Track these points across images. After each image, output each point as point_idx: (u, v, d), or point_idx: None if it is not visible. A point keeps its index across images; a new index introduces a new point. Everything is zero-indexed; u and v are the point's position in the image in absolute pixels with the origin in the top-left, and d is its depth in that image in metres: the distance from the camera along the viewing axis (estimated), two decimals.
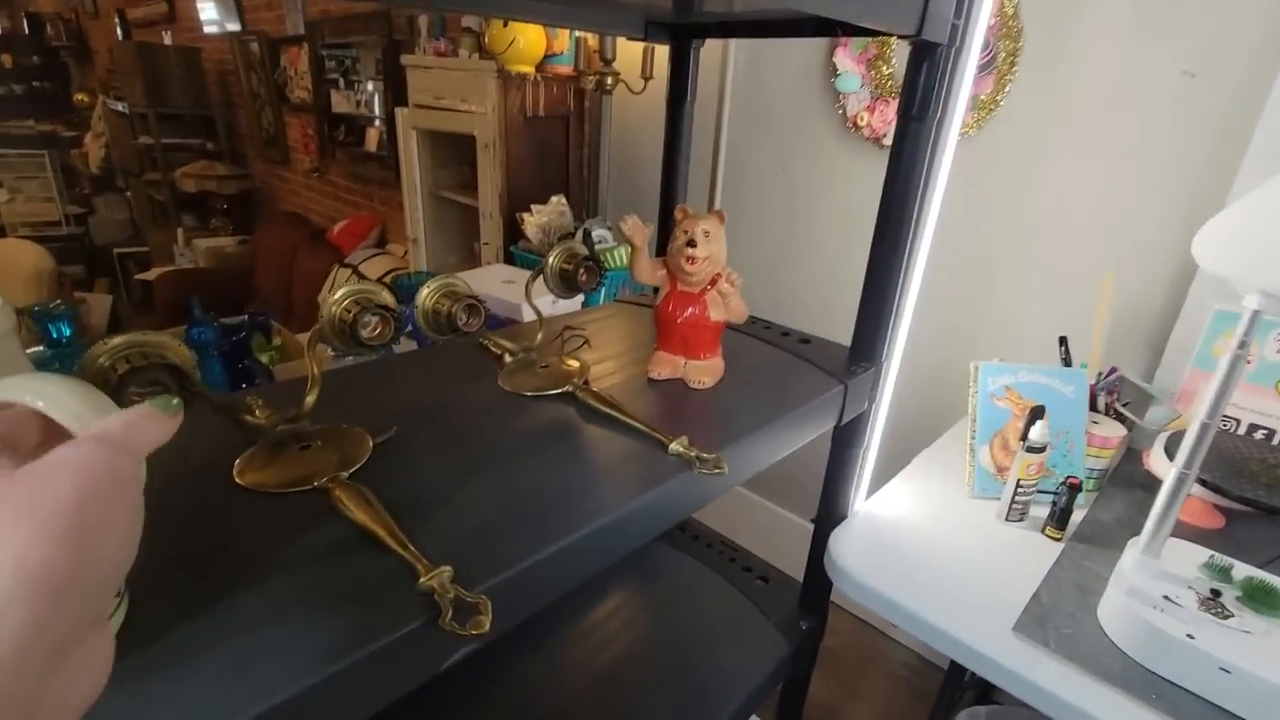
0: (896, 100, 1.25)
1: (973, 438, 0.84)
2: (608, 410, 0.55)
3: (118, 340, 0.39)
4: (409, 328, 0.92)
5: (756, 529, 1.60)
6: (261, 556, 0.37)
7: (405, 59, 1.97)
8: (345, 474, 0.44)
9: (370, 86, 2.64)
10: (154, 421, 0.23)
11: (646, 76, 1.60)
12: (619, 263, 1.49)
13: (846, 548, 0.76)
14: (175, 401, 0.25)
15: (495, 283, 1.35)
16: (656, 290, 0.66)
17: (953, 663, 0.97)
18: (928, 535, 0.79)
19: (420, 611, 0.33)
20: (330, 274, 2.70)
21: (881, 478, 0.90)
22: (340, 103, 2.82)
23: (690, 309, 0.62)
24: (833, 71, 1.31)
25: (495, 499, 0.44)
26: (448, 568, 0.36)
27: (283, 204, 3.67)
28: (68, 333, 0.60)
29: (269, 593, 0.35)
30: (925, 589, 0.70)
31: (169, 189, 3.72)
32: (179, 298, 3.13)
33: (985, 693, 1.24)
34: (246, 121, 3.66)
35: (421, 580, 0.35)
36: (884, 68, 1.26)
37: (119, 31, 4.14)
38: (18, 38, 4.96)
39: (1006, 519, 0.79)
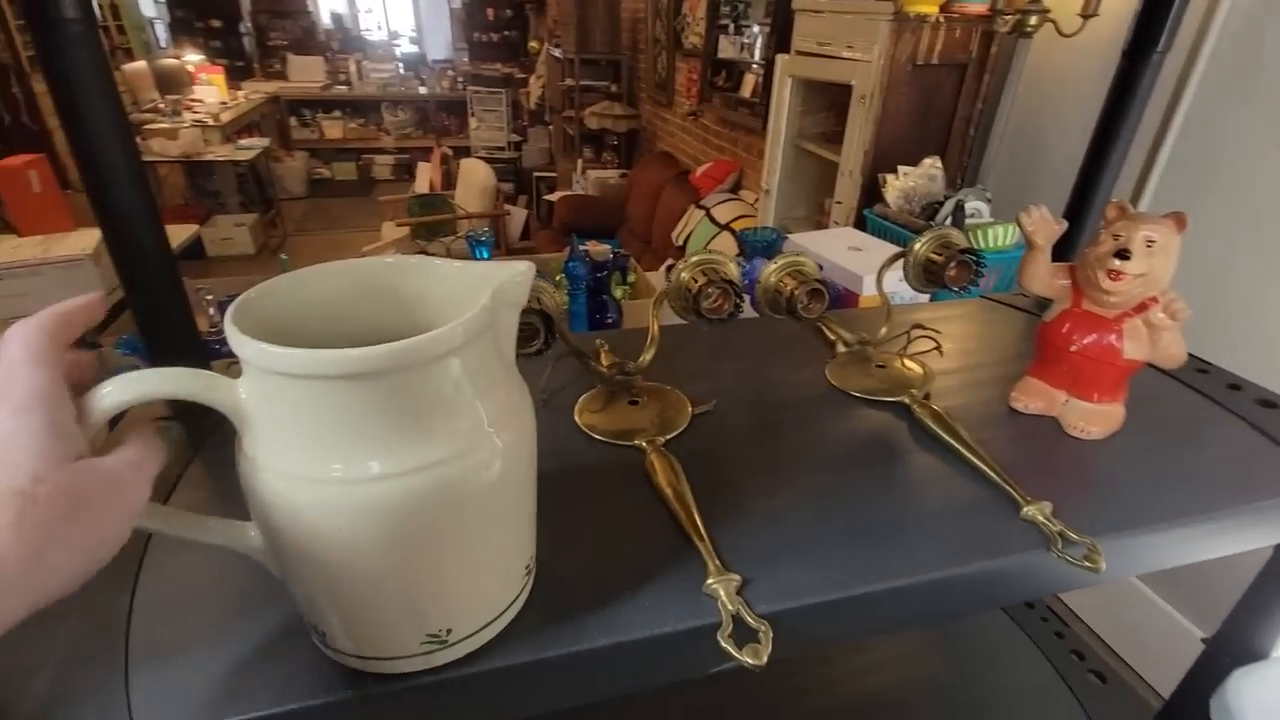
0: None
1: None
2: (948, 439, 0.47)
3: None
4: (748, 282, 0.93)
5: (1107, 601, 1.29)
6: (585, 501, 0.41)
7: (797, 2, 1.92)
8: (662, 439, 0.46)
9: (756, 29, 2.67)
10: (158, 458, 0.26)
11: (1087, 14, 1.27)
12: (992, 244, 1.26)
13: (1259, 702, 0.54)
14: (174, 432, 0.27)
15: (840, 248, 1.27)
16: (1043, 300, 0.52)
17: None
18: None
19: (700, 613, 0.33)
20: (685, 213, 2.91)
21: None
22: (726, 48, 2.92)
23: (1094, 336, 0.48)
24: None
25: (801, 510, 0.41)
26: (736, 577, 0.34)
27: (659, 144, 4.04)
28: (486, 255, 0.74)
29: (587, 543, 0.38)
30: None
31: (578, 125, 4.40)
32: (570, 218, 3.74)
33: None
34: (644, 66, 4.06)
35: (709, 582, 0.34)
36: None
37: None
38: None
39: None
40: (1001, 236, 1.28)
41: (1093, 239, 0.47)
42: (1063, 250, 0.60)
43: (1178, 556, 0.43)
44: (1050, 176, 1.35)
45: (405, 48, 6.67)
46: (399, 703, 0.30)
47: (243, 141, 4.56)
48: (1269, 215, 1.04)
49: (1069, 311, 0.49)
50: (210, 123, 4.39)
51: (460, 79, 6.13)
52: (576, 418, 0.49)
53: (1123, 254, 0.44)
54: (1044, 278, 0.50)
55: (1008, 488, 0.42)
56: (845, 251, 1.28)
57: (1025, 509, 0.40)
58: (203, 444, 0.45)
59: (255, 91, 5.45)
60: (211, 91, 4.96)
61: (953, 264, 0.52)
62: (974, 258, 0.52)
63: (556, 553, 0.36)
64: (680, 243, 2.84)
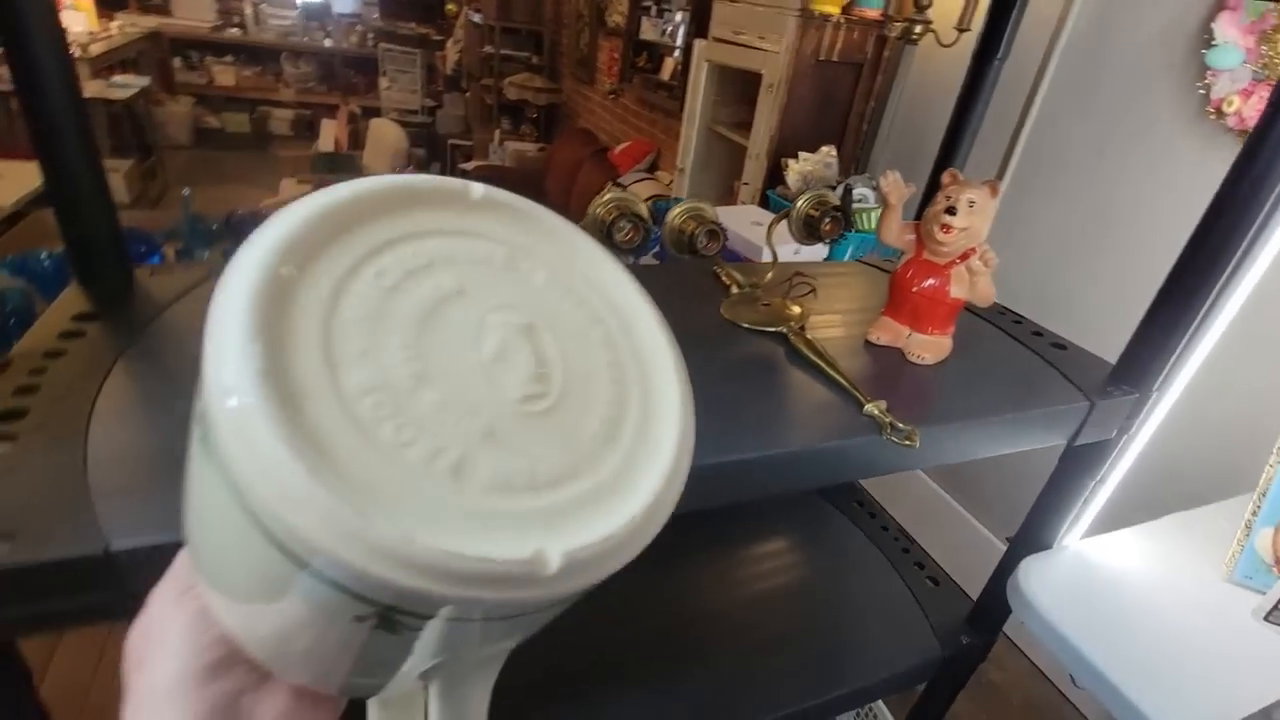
0: None
1: (1254, 514, 0.68)
2: (815, 359, 0.57)
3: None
4: (655, 246, 1.01)
5: (944, 535, 1.49)
6: None
7: None
8: None
9: (678, 17, 2.75)
10: None
11: (962, 28, 1.44)
12: (873, 226, 1.42)
13: (1041, 579, 0.69)
14: None
15: (744, 222, 1.39)
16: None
17: None
18: (1151, 602, 0.68)
19: None
20: (602, 189, 2.96)
21: (1107, 526, 0.78)
22: (648, 30, 2.99)
23: (930, 280, 0.59)
24: (1206, 41, 1.06)
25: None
26: None
27: (580, 120, 4.06)
28: None
29: None
30: (1127, 656, 0.62)
31: (496, 94, 4.33)
32: None
33: None
34: (566, 41, 4.06)
35: None
36: None
37: None
38: None
39: (1266, 618, 0.64)
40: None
41: (932, 201, 0.58)
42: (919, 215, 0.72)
43: (977, 448, 0.56)
44: (929, 169, 1.52)
45: None
46: None
47: (117, 79, 4.14)
48: (1083, 201, 1.24)
49: (913, 260, 0.60)
50: (78, 53, 3.95)
51: (370, 35, 5.82)
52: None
53: (951, 211, 0.55)
54: (895, 232, 0.61)
55: (856, 393, 0.52)
56: (749, 225, 1.40)
57: (866, 406, 0.51)
58: (121, 352, 0.48)
59: (131, 25, 4.94)
60: (79, 19, 4.44)
61: (827, 219, 0.62)
62: (842, 214, 0.62)
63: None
64: None
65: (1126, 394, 0.60)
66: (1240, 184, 0.52)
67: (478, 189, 0.22)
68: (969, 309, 0.74)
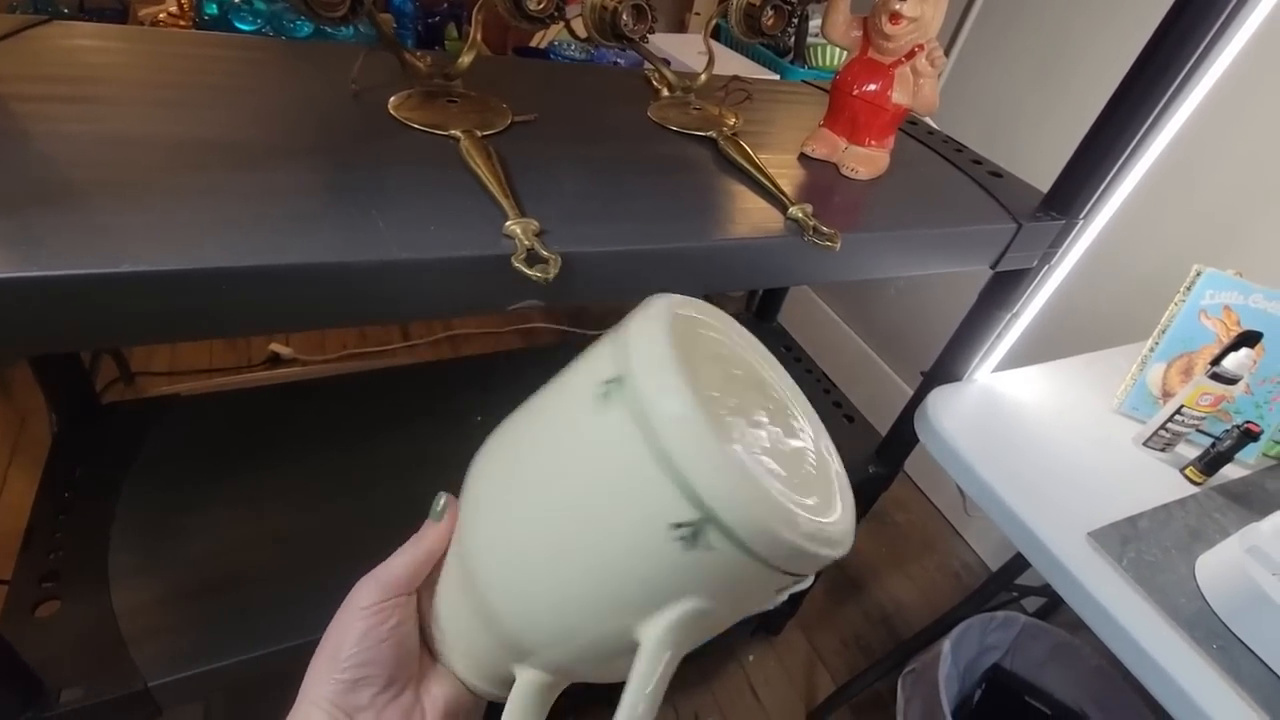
0: None
1: (1151, 350, 0.71)
2: (743, 164, 0.52)
3: None
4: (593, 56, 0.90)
5: (867, 388, 1.56)
6: (393, 175, 0.42)
7: None
8: (480, 133, 0.46)
9: None
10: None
11: None
12: (827, 63, 1.33)
13: (947, 407, 0.71)
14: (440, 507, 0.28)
15: (690, 52, 1.27)
16: None
17: (1004, 567, 0.93)
18: (1044, 430, 0.72)
19: (499, 247, 0.36)
20: None
21: (1015, 364, 0.80)
22: None
23: (872, 83, 0.54)
24: None
25: (601, 195, 0.44)
26: (534, 222, 0.38)
27: None
28: None
29: (399, 201, 0.39)
30: (1015, 475, 0.65)
31: None
32: None
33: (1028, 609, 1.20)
34: None
35: (508, 224, 0.37)
36: None
37: None
38: None
39: (1145, 444, 0.69)
40: (835, 56, 1.35)
41: None
42: None
43: (901, 263, 0.54)
44: None
45: None
46: None
47: None
48: (1053, 39, 1.18)
49: (856, 60, 0.55)
50: None
51: None
52: (392, 111, 0.48)
53: None
54: (841, 26, 0.55)
55: (782, 196, 0.49)
56: (695, 55, 1.28)
57: (791, 209, 0.47)
58: None
59: None
60: None
61: (770, 10, 0.55)
62: (788, 4, 0.55)
63: (368, 210, 0.37)
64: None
65: (1054, 219, 0.59)
66: (1171, 31, 0.49)
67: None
68: (911, 135, 0.70)
